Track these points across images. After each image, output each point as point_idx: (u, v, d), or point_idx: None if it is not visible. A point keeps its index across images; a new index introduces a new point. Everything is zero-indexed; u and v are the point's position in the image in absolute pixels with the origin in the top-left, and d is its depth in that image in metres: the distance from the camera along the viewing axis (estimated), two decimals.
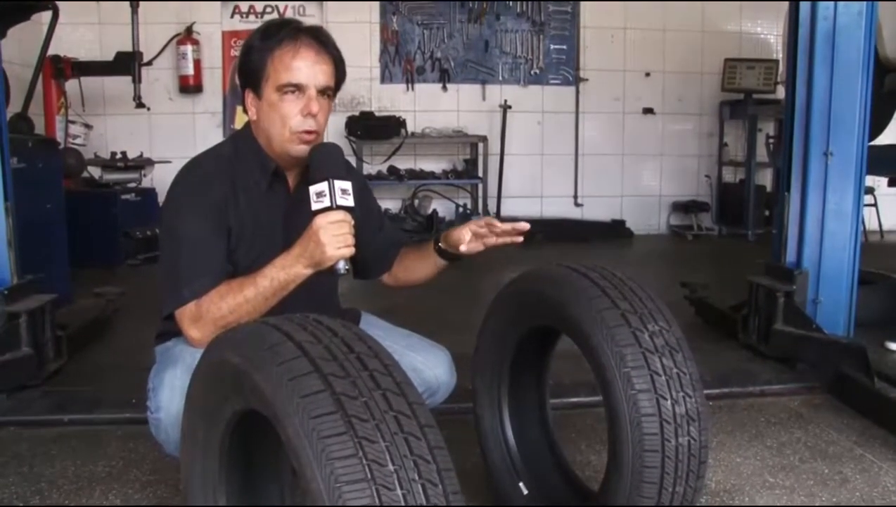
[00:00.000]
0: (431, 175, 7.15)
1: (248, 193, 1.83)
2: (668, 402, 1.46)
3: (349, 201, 1.64)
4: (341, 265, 1.64)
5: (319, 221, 1.61)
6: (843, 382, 2.95)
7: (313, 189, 1.63)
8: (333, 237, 1.61)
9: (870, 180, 6.23)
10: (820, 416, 2.81)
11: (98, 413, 2.72)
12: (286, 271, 1.66)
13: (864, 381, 2.85)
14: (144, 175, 6.12)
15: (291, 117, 1.77)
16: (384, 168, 6.95)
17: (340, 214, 1.62)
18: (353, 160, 5.98)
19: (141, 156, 6.21)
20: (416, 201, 7.14)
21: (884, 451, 2.49)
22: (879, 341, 3.48)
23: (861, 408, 2.82)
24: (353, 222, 1.66)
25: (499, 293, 1.94)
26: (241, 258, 1.78)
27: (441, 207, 7.22)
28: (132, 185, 6.02)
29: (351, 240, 1.64)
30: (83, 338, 3.52)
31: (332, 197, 1.62)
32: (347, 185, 1.65)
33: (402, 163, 7.03)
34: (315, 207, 1.62)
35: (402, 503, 1.01)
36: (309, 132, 1.78)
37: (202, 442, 1.33)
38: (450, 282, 5.22)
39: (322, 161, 1.68)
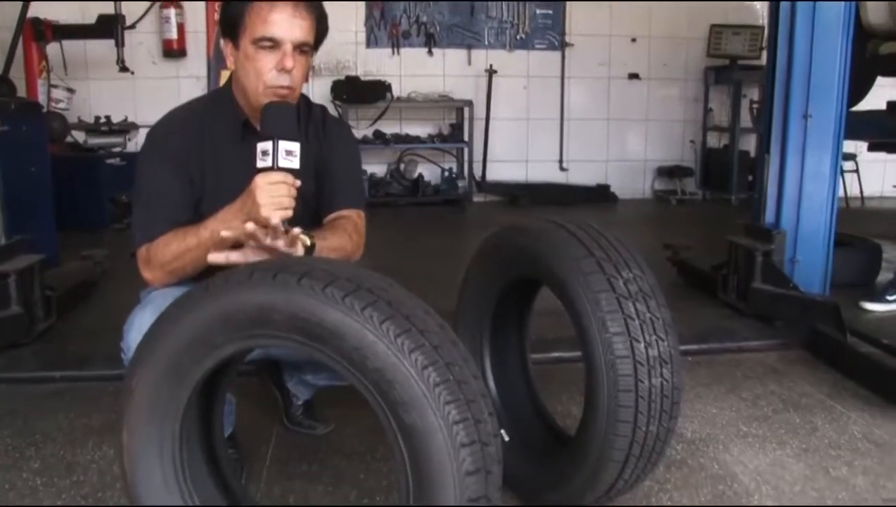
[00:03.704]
0: (417, 139, 7.13)
1: (216, 145, 1.86)
2: (642, 345, 1.53)
3: (293, 163, 1.64)
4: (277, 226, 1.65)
5: (259, 180, 1.62)
6: (818, 338, 3.04)
7: (260, 146, 1.64)
8: (270, 198, 1.61)
9: (852, 146, 6.30)
10: (794, 370, 2.90)
11: (89, 370, 2.77)
12: (225, 224, 1.68)
13: (838, 336, 2.93)
14: (129, 140, 6.10)
15: (266, 72, 1.77)
16: (370, 132, 6.94)
17: (280, 176, 1.63)
18: None
19: (125, 120, 6.18)
20: (402, 165, 7.14)
21: (853, 402, 2.59)
22: (854, 301, 3.55)
23: (834, 362, 2.91)
24: (295, 184, 1.66)
25: (479, 248, 1.99)
26: (206, 208, 1.81)
27: (427, 171, 7.23)
28: (117, 149, 6.00)
29: (288, 202, 1.64)
30: (71, 299, 3.55)
31: (274, 157, 1.62)
32: (294, 146, 1.64)
33: (388, 127, 7.02)
34: (259, 164, 1.63)
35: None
36: (283, 87, 1.79)
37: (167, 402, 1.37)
38: (437, 245, 5.29)
39: (271, 119, 1.66)
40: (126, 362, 1.70)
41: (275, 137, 1.63)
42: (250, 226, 1.57)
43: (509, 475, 1.82)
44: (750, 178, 6.88)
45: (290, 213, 1.66)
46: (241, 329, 1.26)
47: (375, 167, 7.10)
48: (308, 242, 1.67)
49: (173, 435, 1.38)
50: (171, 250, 1.75)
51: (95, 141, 5.94)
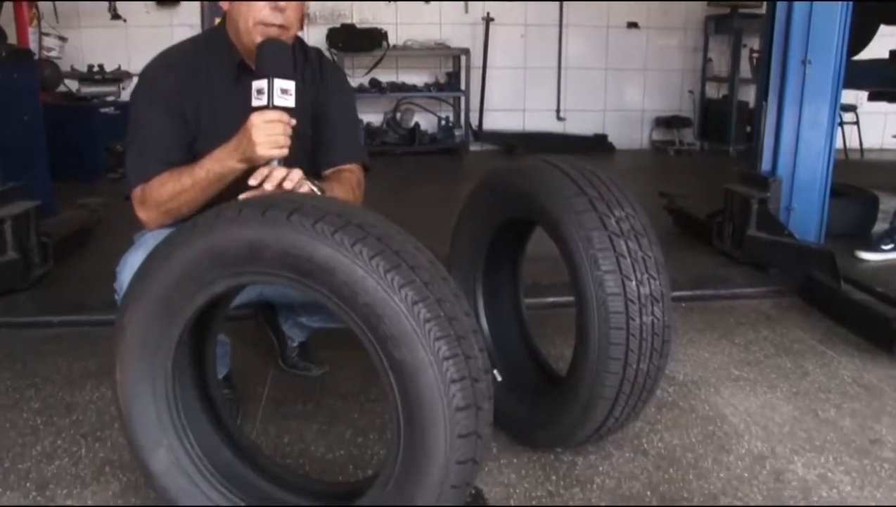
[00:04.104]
0: (413, 88, 7.07)
1: (210, 85, 1.85)
2: (633, 283, 1.53)
3: (288, 102, 1.65)
4: (273, 164, 1.66)
5: (255, 118, 1.63)
6: (812, 285, 3.06)
7: (255, 85, 1.64)
8: (266, 137, 1.63)
9: (852, 98, 6.25)
10: (787, 317, 2.92)
11: (86, 315, 2.79)
12: (221, 163, 1.70)
13: (832, 284, 2.94)
14: (123, 88, 6.02)
15: (259, 9, 1.77)
16: (366, 81, 6.87)
17: (276, 115, 1.63)
18: None
19: (118, 69, 6.11)
20: (398, 114, 7.09)
21: (844, 348, 2.61)
22: (850, 251, 3.57)
23: (827, 310, 2.93)
24: (291, 122, 1.66)
25: (472, 189, 1.99)
26: (201, 148, 1.81)
27: (423, 120, 7.18)
28: (111, 98, 5.94)
29: (284, 141, 1.65)
30: (68, 246, 3.56)
31: (270, 96, 1.62)
32: (289, 84, 1.65)
33: (384, 76, 6.96)
34: (254, 103, 1.64)
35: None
36: (275, 24, 1.77)
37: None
38: (433, 193, 5.27)
39: (267, 58, 1.66)
40: (119, 301, 1.71)
41: (270, 75, 1.64)
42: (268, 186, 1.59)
43: (501, 414, 1.85)
44: (748, 129, 6.84)
45: (285, 151, 1.67)
46: (230, 266, 1.26)
47: (371, 116, 7.05)
48: (319, 193, 1.68)
49: (165, 373, 1.40)
50: (166, 191, 1.75)
51: (89, 90, 5.88)
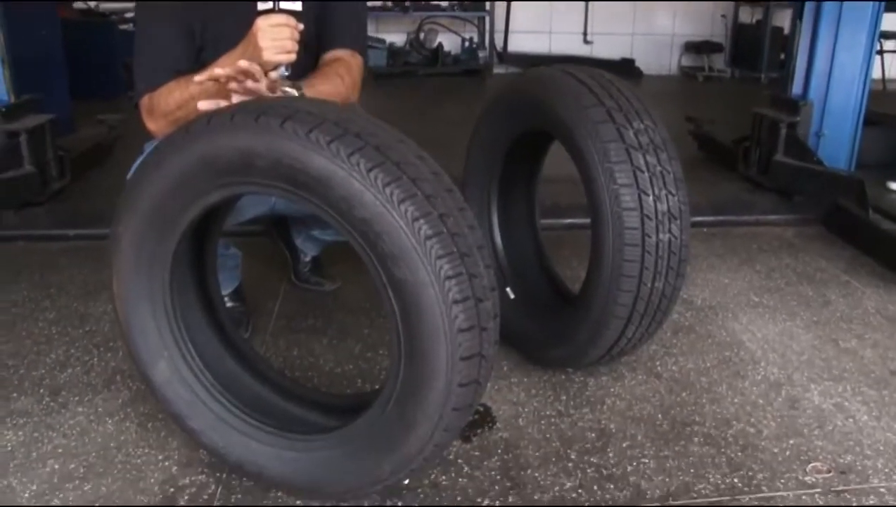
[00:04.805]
0: (437, 7, 6.91)
1: None
2: (650, 198, 1.48)
3: (295, 5, 1.61)
4: (281, 70, 1.61)
5: (260, 22, 1.57)
6: (839, 213, 2.98)
7: None
8: (272, 41, 1.57)
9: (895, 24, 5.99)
10: (811, 246, 2.86)
11: (102, 229, 2.78)
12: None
13: (860, 212, 2.87)
14: None
15: None
16: None
17: (282, 18, 1.58)
18: None
19: None
20: (422, 34, 6.94)
21: (869, 278, 2.55)
22: (881, 182, 3.47)
23: (853, 239, 2.86)
24: (298, 27, 1.60)
25: (488, 101, 1.93)
26: (209, 57, 1.75)
27: (447, 40, 7.04)
28: (130, 14, 5.85)
29: (291, 46, 1.59)
30: (86, 162, 3.54)
31: None
32: None
33: None
34: (259, 7, 1.61)
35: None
36: None
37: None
38: (455, 114, 5.19)
39: None
40: None
41: None
42: (244, 63, 1.50)
43: (513, 332, 1.84)
44: (782, 56, 6.60)
45: (293, 56, 1.61)
46: (223, 175, 1.21)
47: (394, 36, 6.91)
48: (296, 94, 1.62)
49: (163, 285, 1.36)
50: (173, 99, 1.71)
51: (107, 6, 5.80)
